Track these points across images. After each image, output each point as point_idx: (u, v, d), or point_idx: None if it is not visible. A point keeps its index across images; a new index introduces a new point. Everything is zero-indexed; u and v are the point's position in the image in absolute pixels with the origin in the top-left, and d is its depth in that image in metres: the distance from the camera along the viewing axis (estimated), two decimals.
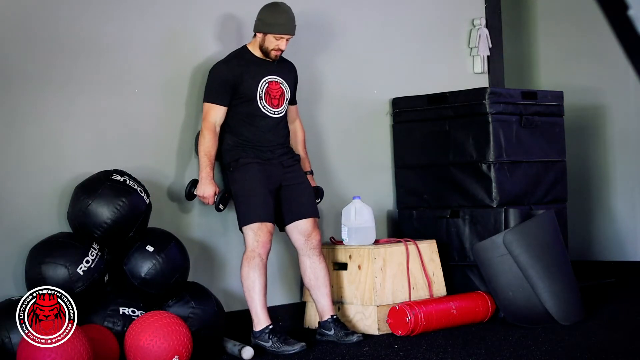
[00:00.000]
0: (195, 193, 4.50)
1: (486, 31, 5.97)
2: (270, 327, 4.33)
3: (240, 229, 4.46)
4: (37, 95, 4.20)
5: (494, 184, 5.06)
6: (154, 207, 4.31)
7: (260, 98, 4.50)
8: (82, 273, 3.97)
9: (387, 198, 5.55)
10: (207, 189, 4.44)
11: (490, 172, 5.06)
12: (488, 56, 5.99)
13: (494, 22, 6.08)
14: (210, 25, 4.80)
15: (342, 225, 4.90)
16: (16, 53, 4.18)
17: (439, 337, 4.50)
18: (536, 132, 5.26)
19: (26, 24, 4.20)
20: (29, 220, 4.14)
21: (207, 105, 4.49)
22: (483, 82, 5.95)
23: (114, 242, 4.16)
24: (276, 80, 4.58)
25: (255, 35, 4.56)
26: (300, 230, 4.55)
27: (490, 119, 5.07)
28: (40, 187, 4.19)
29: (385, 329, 4.66)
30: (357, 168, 5.42)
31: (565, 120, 5.47)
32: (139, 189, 4.19)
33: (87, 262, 3.99)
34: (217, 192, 4.45)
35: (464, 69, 5.97)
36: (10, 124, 4.13)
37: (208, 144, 4.44)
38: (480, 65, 5.94)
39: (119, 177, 4.17)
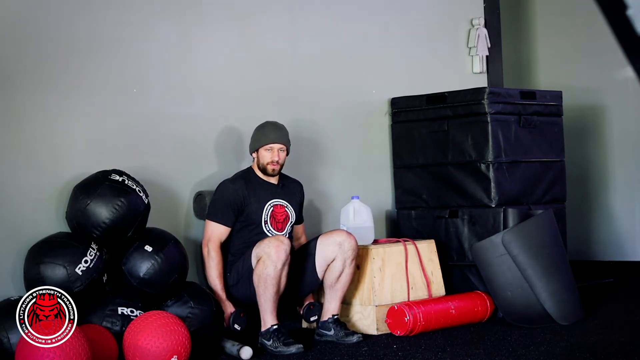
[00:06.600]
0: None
1: (485, 31, 5.96)
2: (275, 326, 4.32)
3: (252, 260, 4.39)
4: (35, 95, 4.19)
5: (492, 184, 5.06)
6: (153, 207, 4.30)
7: (266, 222, 4.53)
8: (80, 273, 3.96)
9: (386, 198, 5.54)
10: (223, 312, 4.41)
11: (489, 172, 5.06)
12: (487, 56, 5.99)
13: (492, 22, 6.08)
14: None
15: (341, 225, 4.89)
16: (15, 53, 4.17)
17: (438, 337, 4.50)
18: (535, 132, 5.26)
19: (25, 24, 4.19)
20: (28, 220, 4.14)
21: (212, 224, 4.49)
22: (482, 82, 5.95)
23: (112, 242, 4.16)
24: (281, 204, 4.59)
25: (253, 158, 4.59)
26: (333, 241, 4.49)
27: (489, 119, 5.07)
28: (38, 187, 4.18)
29: (384, 329, 4.66)
30: (355, 168, 5.42)
31: (564, 120, 5.47)
32: (137, 188, 4.19)
33: (86, 262, 3.99)
34: (232, 313, 4.42)
35: (462, 68, 5.97)
36: (9, 123, 4.12)
37: (218, 267, 4.45)
38: (479, 65, 5.94)
39: (117, 177, 4.16)
